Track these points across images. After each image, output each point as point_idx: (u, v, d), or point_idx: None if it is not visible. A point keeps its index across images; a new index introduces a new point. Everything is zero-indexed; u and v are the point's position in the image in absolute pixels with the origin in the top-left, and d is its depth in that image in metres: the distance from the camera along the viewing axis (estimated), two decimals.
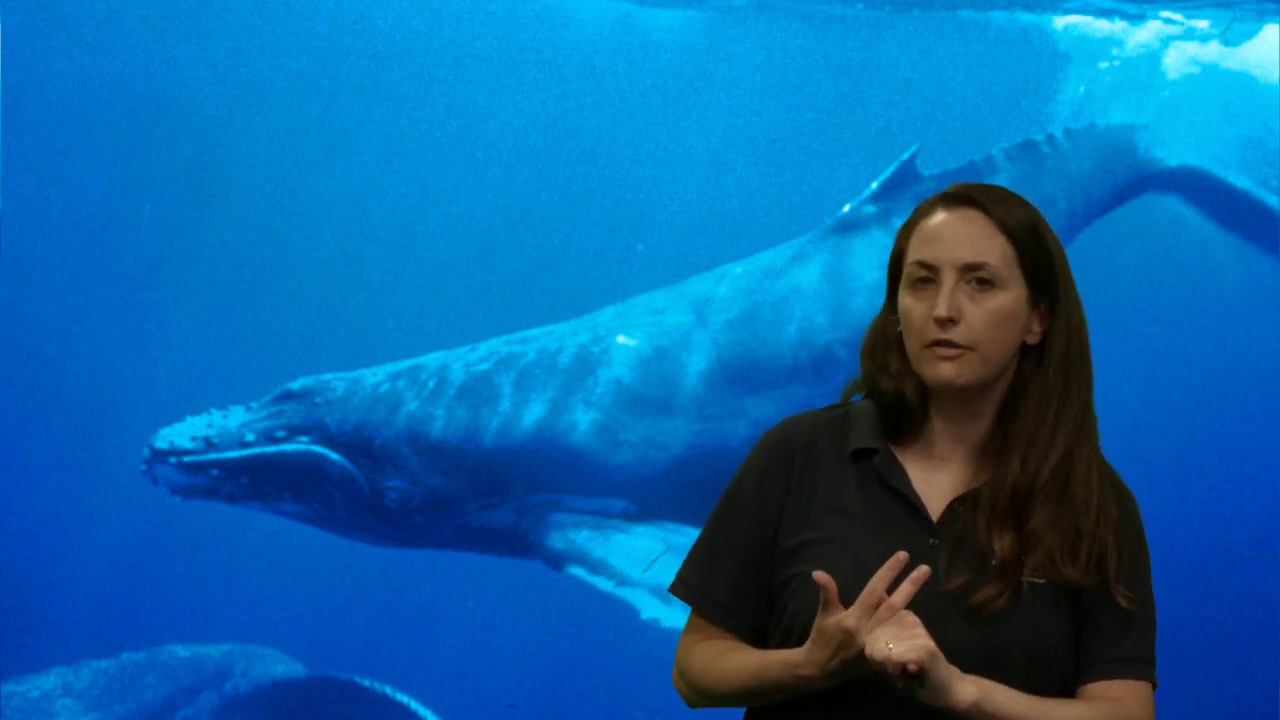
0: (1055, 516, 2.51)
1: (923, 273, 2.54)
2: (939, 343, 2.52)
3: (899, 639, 2.34)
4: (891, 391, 2.59)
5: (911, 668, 2.31)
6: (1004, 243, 2.54)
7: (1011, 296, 2.54)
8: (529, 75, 15.07)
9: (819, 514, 2.57)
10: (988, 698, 2.39)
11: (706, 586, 2.62)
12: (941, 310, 2.50)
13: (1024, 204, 2.58)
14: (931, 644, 2.34)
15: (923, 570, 2.38)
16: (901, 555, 2.39)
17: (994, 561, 2.50)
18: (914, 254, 2.56)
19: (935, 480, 2.58)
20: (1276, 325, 13.39)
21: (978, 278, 2.52)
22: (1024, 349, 2.58)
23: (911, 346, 2.55)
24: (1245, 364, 13.67)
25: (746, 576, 2.60)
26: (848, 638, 2.37)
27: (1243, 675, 11.19)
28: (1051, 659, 2.51)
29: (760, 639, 2.61)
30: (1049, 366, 2.56)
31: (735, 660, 2.55)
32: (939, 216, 2.57)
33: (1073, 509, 2.52)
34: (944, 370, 2.51)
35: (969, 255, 2.52)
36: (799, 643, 2.50)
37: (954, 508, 2.55)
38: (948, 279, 2.52)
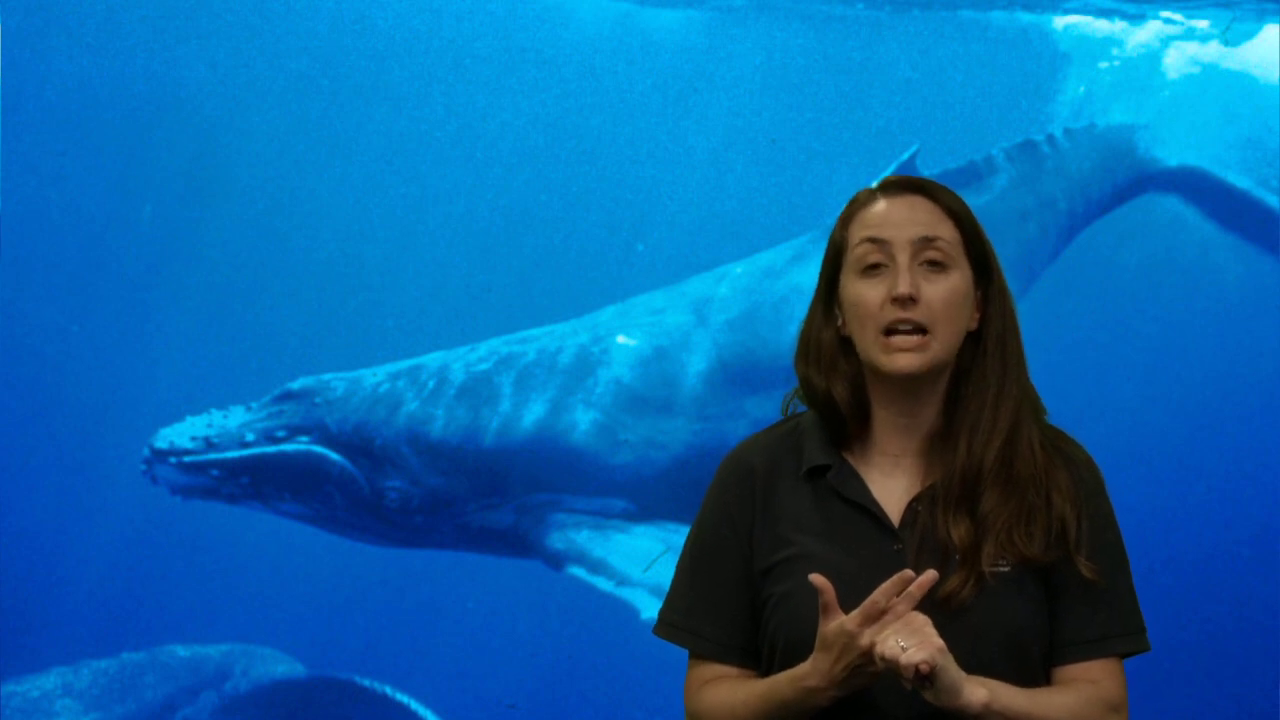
0: (1004, 497, 2.49)
1: (874, 255, 2.51)
2: (897, 328, 2.49)
3: (909, 638, 2.32)
4: (823, 391, 2.57)
5: (924, 669, 2.30)
6: (951, 226, 2.54)
7: (961, 277, 2.53)
8: (529, 75, 15.06)
9: (785, 534, 2.55)
10: (997, 697, 2.38)
11: (693, 624, 2.60)
12: (903, 287, 2.48)
13: (956, 194, 2.59)
14: (941, 642, 2.33)
15: (930, 575, 2.37)
16: (907, 573, 2.37)
17: (956, 555, 2.48)
18: (861, 235, 2.53)
19: (892, 483, 2.56)
20: (1276, 325, 13.39)
21: (929, 259, 2.51)
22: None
23: (865, 336, 2.52)
24: (1245, 364, 13.67)
25: (731, 606, 2.58)
26: (850, 640, 2.36)
27: (1243, 675, 11.19)
28: (1030, 644, 2.49)
29: (759, 665, 2.60)
30: (988, 351, 2.55)
31: (744, 692, 2.53)
32: (881, 204, 2.55)
33: (1020, 487, 2.50)
34: (903, 361, 2.49)
35: (923, 231, 2.51)
36: (784, 660, 2.50)
37: (913, 508, 2.53)
38: (902, 257, 2.51)
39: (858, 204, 2.58)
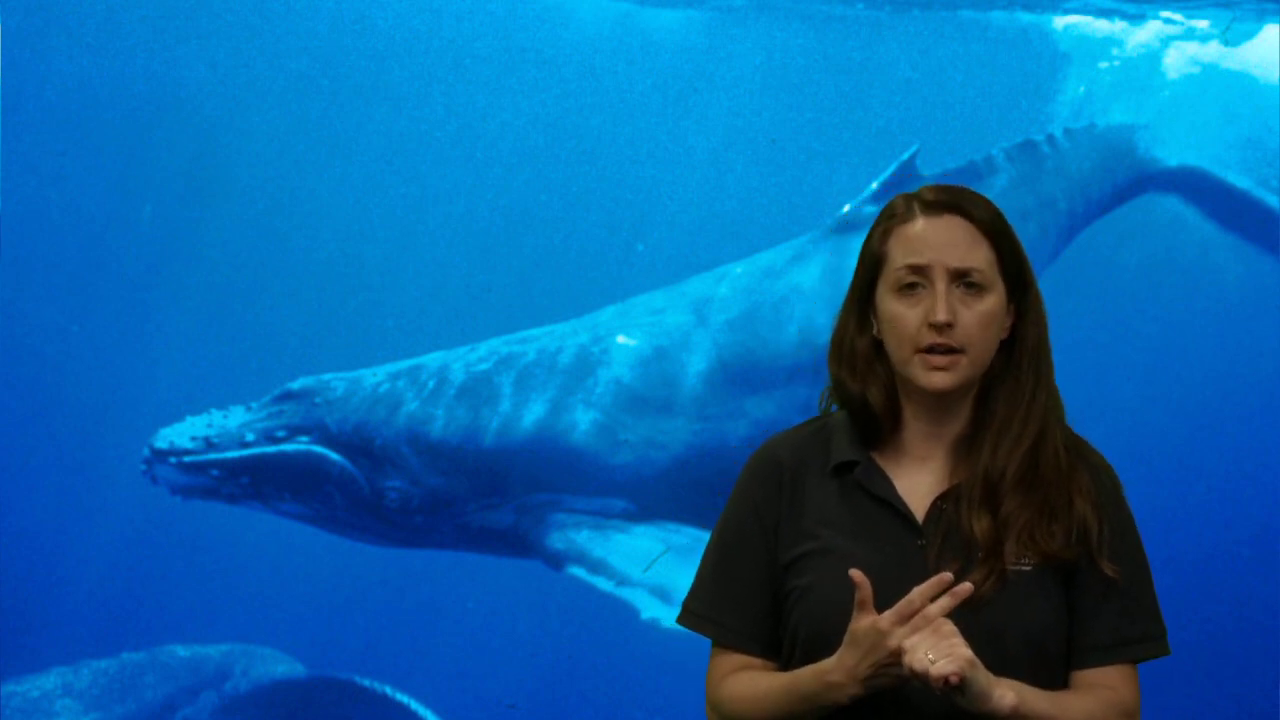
0: (1026, 498, 2.54)
1: (912, 278, 2.56)
2: (933, 350, 2.54)
3: (937, 649, 2.35)
4: (859, 395, 2.62)
5: (953, 679, 2.34)
6: (987, 247, 2.58)
7: (996, 298, 2.58)
8: (529, 75, 15.07)
9: (810, 528, 2.59)
10: (1024, 700, 2.42)
11: (717, 614, 2.64)
12: (941, 315, 2.53)
13: (990, 203, 2.63)
14: (970, 653, 2.36)
15: (965, 587, 2.40)
16: (945, 575, 2.40)
17: (979, 552, 2.52)
18: (901, 259, 2.58)
19: (918, 481, 2.60)
20: (1276, 325, 13.40)
21: (967, 282, 2.56)
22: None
23: (900, 352, 2.57)
24: (1245, 364, 13.68)
25: (755, 598, 2.61)
26: (880, 639, 2.38)
27: (1243, 675, 11.19)
28: (1048, 644, 2.53)
29: (780, 656, 2.62)
30: (1021, 359, 2.61)
31: (766, 683, 2.56)
32: (920, 223, 2.59)
33: (1043, 489, 2.55)
34: (937, 379, 2.55)
35: (961, 261, 2.56)
36: (805, 652, 2.54)
37: (938, 505, 2.57)
38: (940, 284, 2.55)
39: (895, 218, 2.62)
